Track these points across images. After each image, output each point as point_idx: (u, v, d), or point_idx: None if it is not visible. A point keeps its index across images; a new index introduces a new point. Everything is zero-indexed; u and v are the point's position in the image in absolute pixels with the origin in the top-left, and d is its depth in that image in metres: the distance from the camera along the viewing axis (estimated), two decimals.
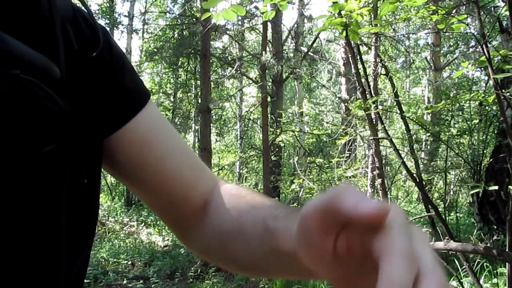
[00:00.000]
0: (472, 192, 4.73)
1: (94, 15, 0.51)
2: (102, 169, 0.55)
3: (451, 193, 7.23)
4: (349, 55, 3.35)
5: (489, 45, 1.99)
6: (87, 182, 0.47)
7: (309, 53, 11.06)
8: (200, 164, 0.60)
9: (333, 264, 0.32)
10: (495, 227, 5.39)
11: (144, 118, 0.53)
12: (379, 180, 3.56)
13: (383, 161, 5.62)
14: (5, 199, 0.40)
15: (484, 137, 5.71)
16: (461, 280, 3.06)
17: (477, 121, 5.72)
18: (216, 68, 11.92)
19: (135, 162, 0.53)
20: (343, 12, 2.21)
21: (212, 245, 0.56)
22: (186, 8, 11.05)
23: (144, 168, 0.54)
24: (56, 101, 0.41)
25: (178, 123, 13.86)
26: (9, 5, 0.42)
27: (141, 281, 5.39)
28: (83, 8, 0.50)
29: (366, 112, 3.16)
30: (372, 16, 3.11)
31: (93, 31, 0.49)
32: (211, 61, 10.34)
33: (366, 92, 3.11)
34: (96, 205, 0.50)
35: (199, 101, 10.13)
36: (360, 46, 4.20)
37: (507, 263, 2.06)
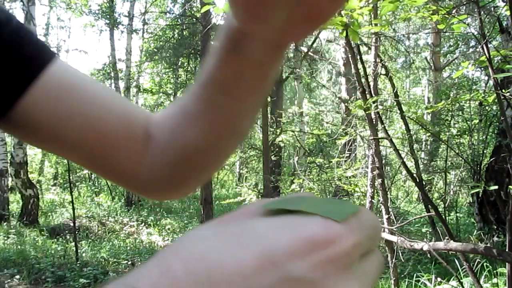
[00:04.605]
0: (472, 192, 4.73)
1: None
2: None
3: (451, 193, 7.23)
4: (349, 55, 3.34)
5: (489, 45, 1.99)
6: None
7: (309, 53, 11.06)
8: (130, 101, 0.58)
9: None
10: (495, 227, 5.39)
11: (56, 72, 0.51)
12: (379, 180, 3.56)
13: (383, 161, 5.62)
14: None
15: (484, 137, 5.71)
16: (461, 280, 3.06)
17: (477, 121, 5.72)
18: None
19: (61, 116, 0.51)
20: (343, 12, 2.21)
21: (171, 163, 0.54)
22: (186, 8, 11.05)
23: (73, 118, 0.51)
24: None
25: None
26: None
27: None
28: None
29: (366, 112, 3.15)
30: (372, 16, 3.11)
31: None
32: None
33: (366, 92, 3.11)
34: None
35: None
36: (360, 46, 4.20)
37: (507, 263, 2.06)
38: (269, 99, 9.77)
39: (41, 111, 0.50)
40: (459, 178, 7.11)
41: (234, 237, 0.22)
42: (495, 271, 3.85)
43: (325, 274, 0.21)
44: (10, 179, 8.60)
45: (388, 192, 3.79)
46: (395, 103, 3.54)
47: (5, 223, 7.73)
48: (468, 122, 5.75)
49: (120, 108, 0.54)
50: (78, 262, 5.59)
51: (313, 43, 11.39)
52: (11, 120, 0.50)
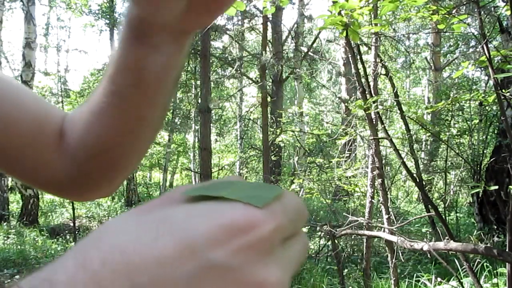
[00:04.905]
0: (472, 192, 4.73)
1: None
2: None
3: (451, 193, 7.23)
4: (349, 55, 3.34)
5: (489, 45, 1.99)
6: None
7: (309, 53, 11.06)
8: (45, 101, 0.56)
9: None
10: (495, 227, 5.39)
11: None
12: (379, 180, 3.56)
13: (383, 161, 5.62)
14: None
15: (484, 137, 5.71)
16: (461, 280, 3.06)
17: (477, 121, 5.72)
18: (216, 68, 11.93)
19: None
20: (343, 12, 2.20)
21: (86, 162, 0.52)
22: None
23: None
24: None
25: (178, 123, 13.85)
26: None
27: None
28: None
29: (366, 112, 3.15)
30: (372, 16, 3.11)
31: None
32: (211, 61, 10.34)
33: (366, 92, 3.11)
34: None
35: (199, 101, 10.13)
36: (360, 46, 4.20)
37: (507, 263, 2.06)
38: (269, 99, 9.77)
39: None
40: (459, 178, 7.11)
41: (154, 226, 0.22)
42: (495, 271, 3.85)
43: (245, 260, 0.21)
44: (10, 179, 8.60)
45: (388, 192, 3.79)
46: (395, 103, 3.54)
47: (5, 223, 7.73)
48: (468, 122, 5.75)
49: (33, 108, 0.52)
50: None
51: (313, 43, 11.39)
52: None
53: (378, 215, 5.39)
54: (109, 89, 0.46)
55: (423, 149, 9.78)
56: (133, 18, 0.41)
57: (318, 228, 4.36)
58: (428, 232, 5.94)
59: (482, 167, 5.21)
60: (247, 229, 0.21)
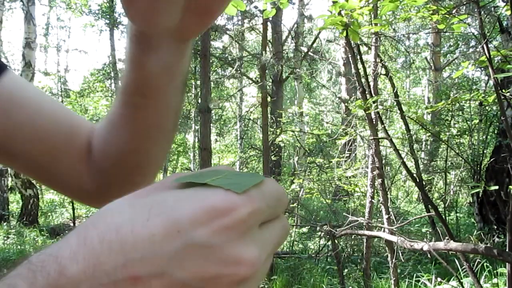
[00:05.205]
0: (472, 192, 4.73)
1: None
2: None
3: (451, 193, 7.23)
4: (349, 55, 3.34)
5: (489, 45, 1.99)
6: None
7: (309, 53, 11.06)
8: (75, 113, 0.60)
9: None
10: (495, 227, 5.39)
11: (7, 84, 0.52)
12: (379, 180, 3.56)
13: (383, 161, 5.62)
14: None
15: (484, 137, 5.71)
16: (461, 280, 3.06)
17: (477, 121, 5.71)
18: (216, 68, 11.92)
19: (10, 128, 0.51)
20: (343, 12, 2.20)
21: (108, 171, 0.55)
22: None
23: (21, 130, 0.51)
24: None
25: (178, 123, 13.83)
26: None
27: None
28: None
29: (366, 112, 3.15)
30: (372, 16, 3.11)
31: None
32: (211, 61, 10.33)
33: (366, 92, 3.11)
34: None
35: (199, 101, 10.13)
36: (360, 46, 4.20)
37: (507, 263, 2.06)
38: (269, 99, 9.77)
39: None
40: (459, 178, 7.11)
41: (147, 208, 0.25)
42: (495, 271, 3.85)
43: (224, 239, 0.24)
44: (10, 179, 8.59)
45: (388, 192, 3.79)
46: (395, 103, 3.54)
47: (5, 223, 7.73)
48: (468, 122, 5.75)
49: (66, 121, 0.55)
50: None
51: (313, 43, 11.39)
52: None
53: (378, 215, 5.39)
54: (122, 101, 0.49)
55: (423, 149, 9.77)
56: (134, 31, 0.44)
57: (318, 228, 4.36)
58: (428, 232, 5.94)
59: (482, 167, 5.21)
60: (226, 212, 0.24)
